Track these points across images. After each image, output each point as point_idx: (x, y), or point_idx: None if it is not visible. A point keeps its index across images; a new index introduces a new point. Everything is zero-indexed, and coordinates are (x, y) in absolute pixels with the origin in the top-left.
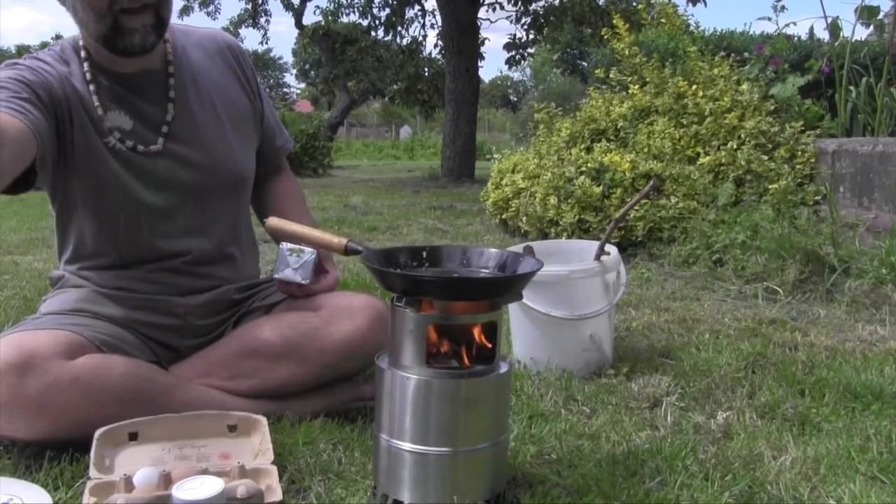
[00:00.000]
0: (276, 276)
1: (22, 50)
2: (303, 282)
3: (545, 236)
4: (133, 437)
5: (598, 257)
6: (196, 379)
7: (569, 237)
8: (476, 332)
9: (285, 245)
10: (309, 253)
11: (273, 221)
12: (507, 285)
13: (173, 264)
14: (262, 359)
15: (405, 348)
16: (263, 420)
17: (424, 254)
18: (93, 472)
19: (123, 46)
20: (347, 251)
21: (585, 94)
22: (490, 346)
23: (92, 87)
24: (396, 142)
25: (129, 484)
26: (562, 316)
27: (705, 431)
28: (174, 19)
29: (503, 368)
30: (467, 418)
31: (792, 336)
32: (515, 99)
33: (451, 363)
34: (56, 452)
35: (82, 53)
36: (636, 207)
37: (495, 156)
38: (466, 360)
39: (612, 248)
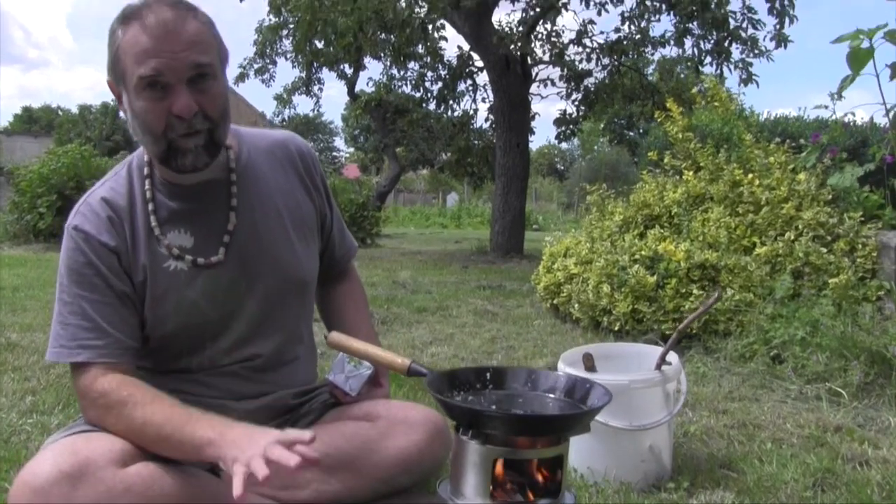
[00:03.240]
0: (328, 378)
1: (83, 110)
2: (350, 393)
3: (597, 325)
4: None
5: (659, 366)
6: (249, 488)
7: (622, 327)
8: (542, 465)
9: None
10: (366, 367)
11: (335, 338)
12: (575, 421)
13: (233, 369)
14: (316, 470)
15: (468, 480)
16: None
17: (488, 375)
18: None
19: (177, 166)
20: (410, 373)
21: (633, 164)
22: (556, 479)
23: (150, 207)
24: (443, 209)
25: None
26: (620, 426)
27: None
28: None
29: (568, 500)
30: None
31: (862, 449)
32: (563, 168)
33: (515, 497)
34: None
35: (145, 170)
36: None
37: (546, 239)
38: (531, 495)
39: (673, 357)
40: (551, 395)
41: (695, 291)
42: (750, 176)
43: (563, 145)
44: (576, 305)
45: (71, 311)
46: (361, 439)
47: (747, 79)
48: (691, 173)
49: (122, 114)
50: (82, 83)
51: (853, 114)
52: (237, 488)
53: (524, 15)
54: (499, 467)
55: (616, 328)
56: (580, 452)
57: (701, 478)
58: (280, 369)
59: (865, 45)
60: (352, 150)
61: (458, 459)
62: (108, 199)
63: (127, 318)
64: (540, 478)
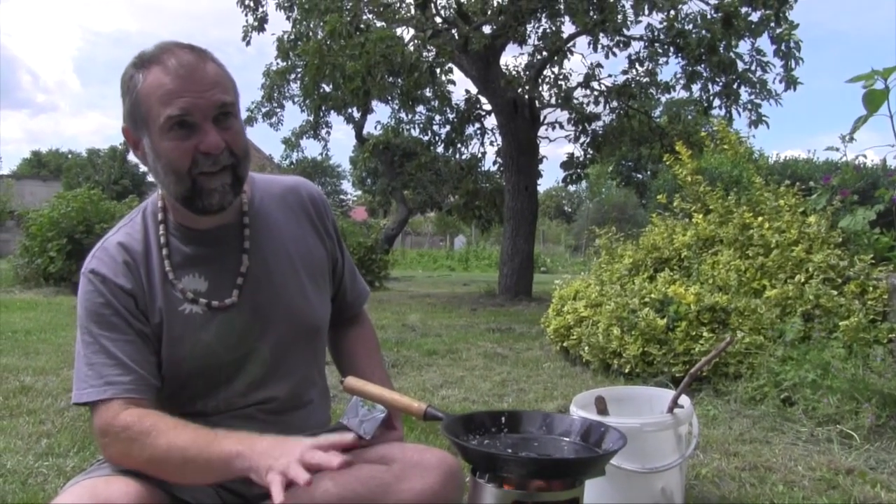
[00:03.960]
0: (342, 421)
1: (92, 154)
2: (365, 436)
3: (608, 368)
4: None
5: (671, 409)
6: None
7: (632, 369)
8: None
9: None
10: (380, 411)
11: (352, 382)
12: (591, 465)
13: (248, 412)
14: None
15: None
16: None
17: (504, 419)
18: None
19: (202, 206)
20: (427, 417)
21: (641, 206)
22: None
23: (165, 252)
24: (451, 252)
25: None
26: (633, 469)
27: None
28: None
29: None
30: None
31: (874, 491)
32: (570, 210)
33: None
34: None
35: (159, 216)
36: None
37: (556, 282)
38: None
39: (685, 400)
40: (566, 439)
41: (705, 334)
42: (760, 219)
43: (571, 187)
44: (586, 348)
45: (94, 352)
46: (377, 482)
47: (756, 120)
48: (701, 216)
49: (135, 159)
50: (89, 127)
51: (864, 155)
52: (277, 496)
53: (531, 59)
54: None
55: (626, 371)
56: (593, 494)
57: None
58: (295, 412)
59: (880, 85)
60: (359, 192)
61: (475, 502)
62: (124, 244)
63: (148, 357)
64: None
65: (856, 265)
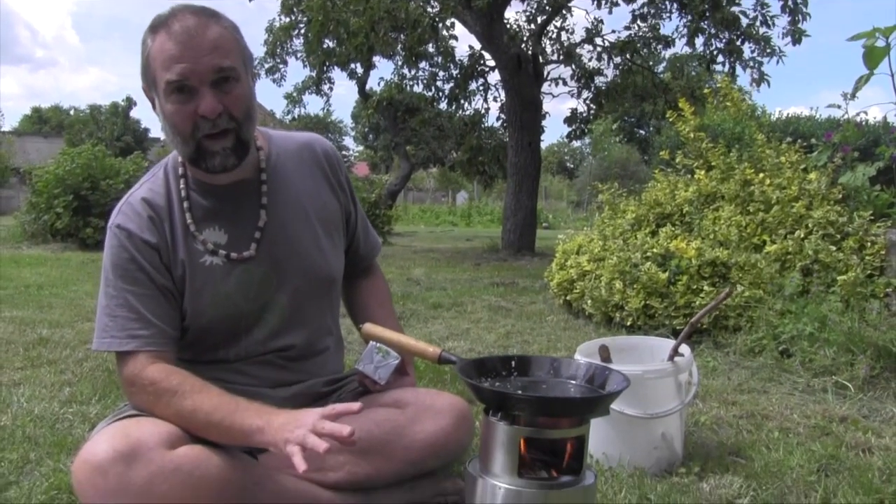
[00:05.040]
0: (358, 367)
1: (94, 111)
2: (379, 381)
3: (610, 320)
4: None
5: (671, 358)
6: (284, 470)
7: (634, 322)
8: (565, 445)
9: (375, 343)
10: (394, 357)
11: (369, 328)
12: (597, 404)
13: (268, 358)
14: (349, 453)
15: (496, 458)
16: None
17: (513, 363)
18: None
19: (206, 167)
20: (441, 360)
21: (643, 162)
22: (578, 457)
23: (186, 205)
24: (453, 208)
25: None
26: (635, 414)
27: None
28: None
29: (589, 479)
30: None
31: (865, 438)
32: (572, 166)
33: (540, 474)
34: None
35: (180, 170)
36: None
37: (560, 236)
38: (555, 472)
39: (685, 349)
40: (573, 382)
41: (706, 288)
42: (761, 175)
43: (575, 143)
44: (588, 301)
45: (118, 304)
46: (391, 425)
47: (759, 79)
48: (703, 172)
49: (138, 116)
50: (90, 82)
51: (866, 112)
52: (300, 465)
53: (532, 13)
54: (524, 446)
55: (628, 323)
56: (596, 439)
57: (711, 464)
58: (312, 359)
59: (881, 43)
60: (361, 148)
61: (487, 439)
62: (148, 200)
63: (168, 311)
64: (563, 456)
65: (855, 221)
